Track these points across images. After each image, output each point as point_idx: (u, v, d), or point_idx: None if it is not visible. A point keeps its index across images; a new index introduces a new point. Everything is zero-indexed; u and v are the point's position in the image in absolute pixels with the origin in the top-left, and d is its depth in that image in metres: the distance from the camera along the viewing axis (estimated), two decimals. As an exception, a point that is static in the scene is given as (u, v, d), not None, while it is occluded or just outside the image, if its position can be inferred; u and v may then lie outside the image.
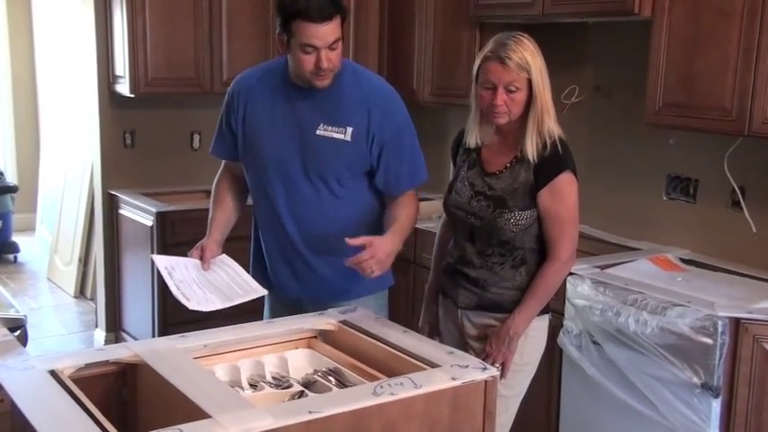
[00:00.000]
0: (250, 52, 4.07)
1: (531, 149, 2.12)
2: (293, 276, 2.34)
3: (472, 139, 2.25)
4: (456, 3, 3.58)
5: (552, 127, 2.13)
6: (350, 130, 2.22)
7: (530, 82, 2.09)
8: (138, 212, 4.00)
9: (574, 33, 3.39)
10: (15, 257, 6.31)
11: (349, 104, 2.23)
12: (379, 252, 2.07)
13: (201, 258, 2.22)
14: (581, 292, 2.71)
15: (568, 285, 2.74)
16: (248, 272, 2.30)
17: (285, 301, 2.39)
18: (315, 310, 2.19)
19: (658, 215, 3.20)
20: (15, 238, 6.36)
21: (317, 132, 2.22)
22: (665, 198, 3.17)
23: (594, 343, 2.67)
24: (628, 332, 2.54)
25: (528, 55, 2.08)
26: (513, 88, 2.09)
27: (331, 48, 2.12)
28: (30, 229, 6.69)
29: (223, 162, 2.44)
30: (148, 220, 3.88)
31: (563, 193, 2.14)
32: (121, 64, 3.98)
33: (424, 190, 4.26)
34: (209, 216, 2.38)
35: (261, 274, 2.37)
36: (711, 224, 3.02)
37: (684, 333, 2.41)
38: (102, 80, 4.16)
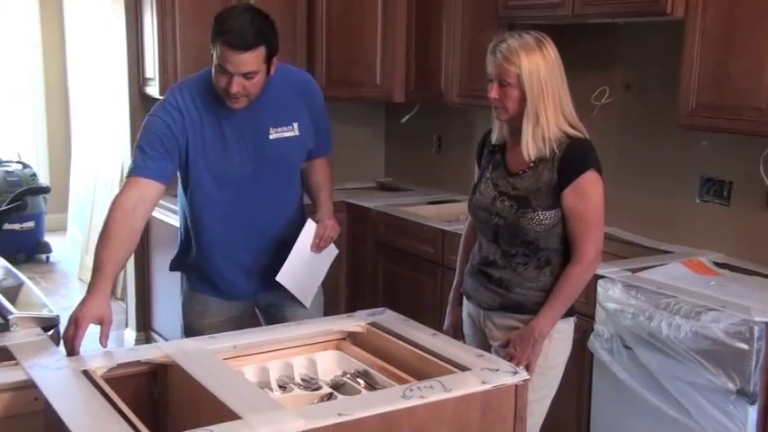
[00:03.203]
0: (279, 53, 4.07)
1: (527, 149, 2.11)
2: (250, 276, 2.43)
3: (494, 135, 2.26)
4: (484, 3, 3.55)
5: (561, 126, 2.11)
6: (296, 124, 2.37)
7: (519, 78, 2.07)
8: (168, 213, 4.02)
9: (603, 33, 3.35)
10: (48, 257, 6.39)
11: (287, 101, 2.36)
12: (330, 227, 2.45)
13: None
14: (612, 295, 2.68)
15: (599, 288, 2.71)
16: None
17: (238, 307, 2.49)
18: (268, 304, 2.47)
19: (691, 218, 3.15)
20: (48, 238, 6.44)
21: (271, 137, 2.33)
22: (698, 200, 3.12)
23: (626, 347, 2.63)
24: (660, 336, 2.50)
25: (522, 50, 2.07)
26: (504, 83, 2.10)
27: (246, 76, 2.16)
28: (61, 229, 6.77)
29: (137, 182, 2.18)
30: (177, 221, 3.90)
31: (587, 192, 2.12)
32: (151, 66, 4.01)
33: (450, 192, 4.28)
34: (108, 255, 2.06)
35: (207, 285, 2.45)
36: (746, 227, 2.97)
37: (719, 338, 2.38)
38: (133, 82, 4.19)
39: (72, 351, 1.87)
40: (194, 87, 2.29)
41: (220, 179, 2.30)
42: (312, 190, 2.55)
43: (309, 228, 2.43)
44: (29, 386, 1.64)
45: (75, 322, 1.90)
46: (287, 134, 2.35)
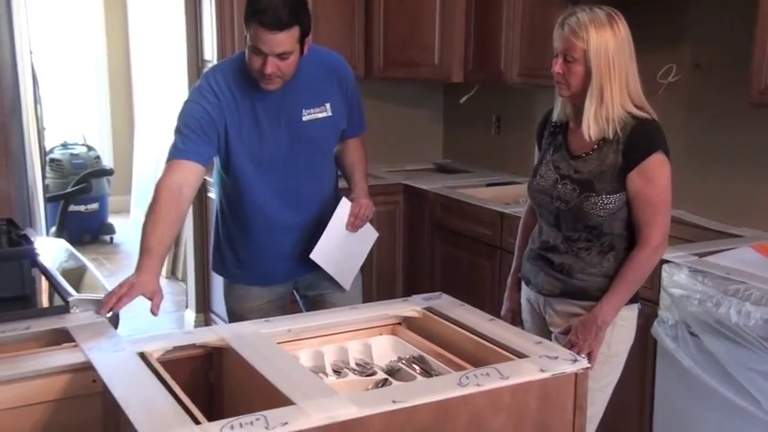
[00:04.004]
0: (336, 34, 4.06)
1: (588, 129, 2.04)
2: (289, 258, 2.43)
3: (555, 113, 2.19)
4: (546, -22, 3.47)
5: (627, 107, 2.04)
6: (328, 105, 2.36)
7: (586, 54, 2.00)
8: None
9: (672, 8, 3.23)
10: (111, 238, 6.54)
11: (320, 82, 2.35)
12: (365, 206, 2.44)
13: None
14: (678, 281, 2.59)
15: (664, 274, 2.63)
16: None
17: (278, 290, 2.49)
18: (307, 287, 2.49)
19: (762, 200, 3.03)
20: (111, 219, 6.59)
21: (304, 119, 2.32)
22: (769, 182, 3.00)
23: (692, 334, 2.55)
24: (729, 324, 2.41)
25: (592, 25, 1.99)
26: (570, 58, 2.03)
27: (280, 57, 2.14)
28: (125, 210, 6.91)
29: (180, 165, 2.19)
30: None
31: (654, 175, 2.04)
32: (210, 48, 4.04)
33: (509, 173, 4.22)
34: (158, 236, 2.08)
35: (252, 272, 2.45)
36: (821, 210, 2.85)
37: (791, 326, 2.28)
38: (192, 65, 4.23)
39: (115, 306, 1.91)
40: (228, 70, 2.29)
41: (257, 162, 2.31)
42: (347, 170, 2.55)
43: (344, 206, 2.43)
44: (87, 368, 1.66)
45: (130, 285, 1.95)
46: (320, 115, 2.35)
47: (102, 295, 2.01)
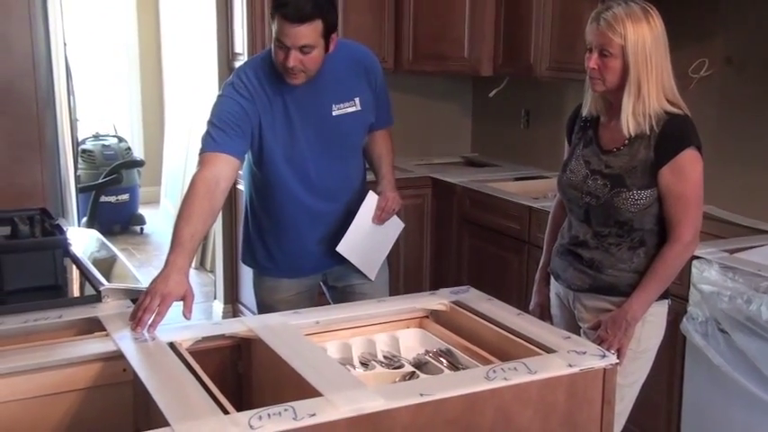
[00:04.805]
0: (365, 27, 4.06)
1: (627, 125, 2.02)
2: (318, 251, 2.44)
3: (585, 108, 2.17)
4: (577, -29, 3.44)
5: (662, 103, 2.01)
6: (357, 99, 2.37)
7: (623, 49, 1.98)
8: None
9: (704, 2, 3.19)
10: (142, 229, 6.60)
11: (348, 76, 2.36)
12: (391, 199, 2.47)
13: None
14: (708, 277, 2.56)
15: (694, 270, 2.60)
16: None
17: (307, 282, 2.50)
18: (336, 279, 2.51)
19: (795, 196, 2.99)
20: (141, 210, 6.65)
21: (333, 114, 2.34)
22: (802, 178, 2.95)
23: (722, 331, 2.52)
24: (760, 321, 2.38)
25: (628, 20, 1.97)
26: (606, 53, 2.00)
27: (302, 50, 2.14)
28: (155, 201, 6.97)
29: (216, 158, 2.18)
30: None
31: (686, 170, 2.02)
32: (240, 41, 4.05)
33: (538, 167, 4.19)
34: (191, 230, 2.04)
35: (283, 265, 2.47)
36: None
37: (824, 324, 2.25)
38: (222, 57, 4.25)
39: (153, 325, 1.80)
40: (259, 66, 2.31)
41: (289, 156, 2.32)
42: (374, 162, 2.56)
43: (371, 200, 2.44)
44: (118, 357, 1.68)
45: (162, 297, 1.88)
46: (349, 110, 2.36)
47: (133, 286, 2.04)
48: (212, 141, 2.20)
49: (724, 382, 2.55)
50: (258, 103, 2.26)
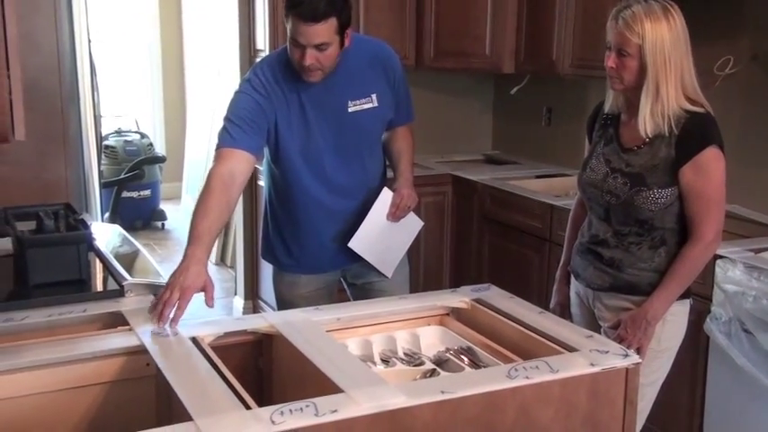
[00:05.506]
0: (387, 23, 4.05)
1: (644, 126, 2.01)
2: (337, 247, 2.42)
3: (607, 104, 2.17)
4: (600, -32, 3.41)
5: (681, 103, 1.99)
6: (374, 95, 2.35)
7: (641, 49, 1.96)
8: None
9: (730, -1, 3.16)
10: (163, 225, 6.64)
11: (364, 72, 2.34)
12: (407, 197, 2.42)
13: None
14: (732, 276, 2.54)
15: (717, 269, 2.58)
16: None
17: (326, 278, 2.50)
18: (355, 276, 2.50)
19: (821, 196, 2.95)
20: (163, 206, 6.69)
21: (350, 110, 2.32)
22: (829, 177, 2.92)
23: (746, 331, 2.50)
24: (784, 322, 2.36)
25: (647, 19, 1.95)
26: (624, 53, 1.99)
27: (318, 48, 2.14)
28: (176, 197, 7.01)
29: (232, 154, 2.20)
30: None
31: (708, 169, 2.00)
32: (262, 37, 4.07)
33: (560, 165, 4.17)
34: (207, 224, 2.07)
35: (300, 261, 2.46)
36: None
37: None
38: (244, 54, 4.26)
39: (174, 318, 1.82)
40: (275, 64, 2.31)
41: (305, 153, 2.33)
42: (393, 158, 2.54)
43: (385, 196, 2.43)
44: (141, 351, 1.69)
45: (181, 290, 1.87)
46: (366, 106, 2.34)
47: (155, 281, 2.05)
48: (228, 137, 2.22)
49: (747, 382, 2.52)
50: (274, 100, 2.27)
